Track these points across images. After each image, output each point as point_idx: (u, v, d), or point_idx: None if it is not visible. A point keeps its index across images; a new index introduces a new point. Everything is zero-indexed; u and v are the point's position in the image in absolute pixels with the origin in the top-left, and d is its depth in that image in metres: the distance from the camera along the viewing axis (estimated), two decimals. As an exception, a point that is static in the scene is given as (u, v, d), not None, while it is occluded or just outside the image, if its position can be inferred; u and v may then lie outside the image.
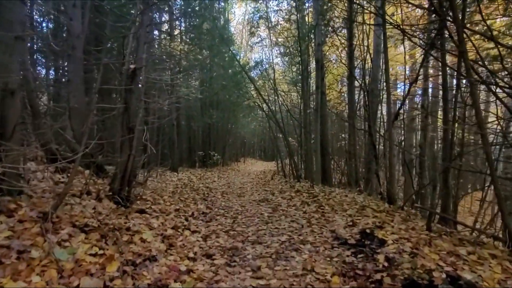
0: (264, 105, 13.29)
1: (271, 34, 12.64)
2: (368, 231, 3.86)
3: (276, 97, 12.30)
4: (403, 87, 18.80)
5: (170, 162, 12.18)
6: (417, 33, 6.72)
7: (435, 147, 12.41)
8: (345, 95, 17.95)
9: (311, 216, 4.85)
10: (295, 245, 3.56)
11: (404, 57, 8.05)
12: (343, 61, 12.45)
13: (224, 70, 13.31)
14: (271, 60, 12.77)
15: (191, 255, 3.17)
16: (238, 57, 12.17)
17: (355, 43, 9.02)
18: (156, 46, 11.14)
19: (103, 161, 5.00)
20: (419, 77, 9.23)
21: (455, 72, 6.30)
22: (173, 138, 11.93)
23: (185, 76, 13.44)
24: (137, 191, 4.81)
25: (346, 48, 12.13)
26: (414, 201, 7.06)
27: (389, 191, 6.53)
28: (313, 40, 9.70)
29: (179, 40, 12.69)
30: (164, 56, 10.14)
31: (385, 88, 11.98)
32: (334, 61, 13.79)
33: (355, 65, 14.28)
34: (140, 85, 4.35)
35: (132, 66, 3.95)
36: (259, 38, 13.24)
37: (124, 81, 3.98)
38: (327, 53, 12.12)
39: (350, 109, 13.52)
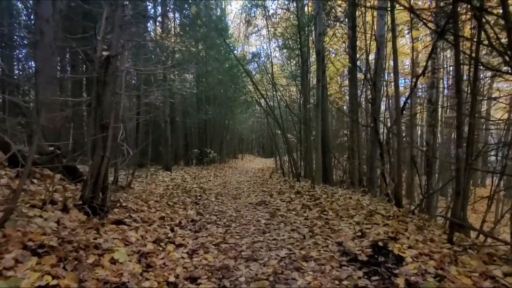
0: (262, 100, 12.71)
1: (269, 25, 12.02)
2: (381, 244, 3.33)
3: (274, 92, 11.72)
4: (403, 81, 18.23)
5: (163, 161, 11.63)
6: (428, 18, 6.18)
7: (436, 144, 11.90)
8: (346, 88, 17.45)
9: (314, 224, 4.32)
10: (296, 263, 3.03)
11: (412, 47, 7.47)
12: (346, 51, 11.92)
13: (219, 63, 12.68)
14: (269, 53, 12.15)
15: (171, 278, 2.63)
16: (234, 51, 11.57)
17: (358, 29, 8.42)
18: (149, 38, 10.53)
19: (78, 163, 4.44)
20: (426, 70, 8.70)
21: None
22: (166, 135, 11.35)
23: (179, 70, 12.83)
24: (117, 196, 4.26)
25: (348, 38, 11.61)
26: (421, 203, 6.56)
27: (397, 193, 6.00)
28: (314, 31, 9.11)
29: (172, 31, 12.06)
30: (151, 46, 9.55)
31: (387, 81, 11.41)
32: (334, 53, 13.22)
33: (357, 57, 13.71)
34: (117, 76, 3.77)
35: (105, 53, 3.38)
36: (256, 28, 12.59)
37: (96, 71, 3.40)
38: (328, 45, 11.53)
39: (352, 104, 13.03)
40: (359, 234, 3.72)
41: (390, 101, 18.10)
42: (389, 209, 5.36)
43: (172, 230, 3.83)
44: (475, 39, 5.36)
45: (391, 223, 4.11)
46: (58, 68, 8.10)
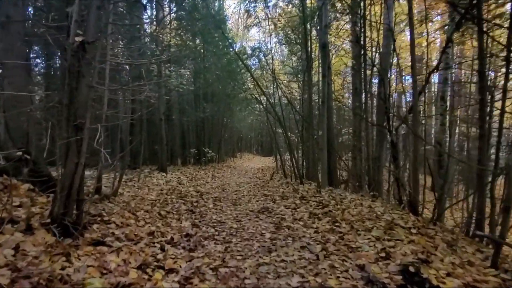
0: (263, 97, 12.12)
1: (269, 16, 11.39)
2: (412, 269, 2.77)
3: (275, 88, 11.12)
4: (405, 78, 17.67)
5: (159, 161, 11.04)
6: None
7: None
8: (347, 85, 16.87)
9: (326, 239, 3.76)
10: (312, 296, 2.47)
11: (427, 38, 6.88)
12: (351, 41, 11.33)
13: (217, 57, 12.05)
14: (270, 47, 11.51)
15: (157, 324, 2.06)
16: (233, 46, 10.90)
17: (362, 15, 7.82)
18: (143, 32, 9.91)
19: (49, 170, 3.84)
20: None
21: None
22: (161, 134, 10.74)
23: (175, 66, 12.21)
24: (99, 209, 3.67)
25: (352, 33, 11.04)
26: (441, 212, 5.99)
27: (413, 199, 5.45)
28: (318, 23, 8.51)
29: (168, 23, 11.43)
30: (146, 40, 8.93)
31: (397, 74, 10.79)
32: (338, 49, 12.65)
33: (363, 51, 13.10)
34: (95, 67, 3.17)
35: (78, 39, 2.78)
36: (257, 19, 11.94)
37: (69, 60, 2.81)
38: (332, 39, 10.95)
39: (355, 101, 12.47)
40: (383, 254, 3.16)
41: (397, 98, 17.59)
42: (406, 218, 4.82)
43: (162, 249, 3.25)
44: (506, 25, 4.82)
45: (417, 239, 3.55)
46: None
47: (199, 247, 3.48)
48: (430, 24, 10.70)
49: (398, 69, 9.60)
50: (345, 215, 4.70)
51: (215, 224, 4.50)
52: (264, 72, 12.59)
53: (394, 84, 10.82)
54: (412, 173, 5.54)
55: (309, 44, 8.96)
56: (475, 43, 8.55)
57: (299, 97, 13.38)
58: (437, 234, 4.07)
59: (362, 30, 7.79)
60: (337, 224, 4.35)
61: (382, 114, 9.54)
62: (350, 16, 9.18)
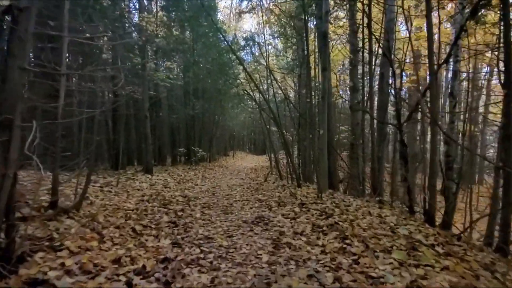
0: (256, 93, 11.37)
1: (265, 4, 10.61)
2: (459, 315, 2.08)
3: (269, 84, 10.36)
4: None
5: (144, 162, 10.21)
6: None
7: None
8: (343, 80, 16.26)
9: (337, 263, 3.04)
10: None
11: (439, 29, 6.21)
12: (347, 37, 10.68)
13: (207, 49, 11.22)
14: (264, 39, 10.71)
15: None
16: (224, 36, 10.07)
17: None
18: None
19: None
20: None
21: None
22: (145, 133, 9.89)
23: (162, 59, 11.36)
24: (50, 229, 2.87)
25: (349, 26, 10.39)
26: (470, 226, 5.40)
27: (430, 207, 4.80)
28: (317, 11, 7.79)
29: (153, 14, 10.54)
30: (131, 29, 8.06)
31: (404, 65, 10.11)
32: (335, 41, 11.97)
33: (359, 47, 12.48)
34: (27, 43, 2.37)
35: (3, 2, 1.99)
36: (251, 5, 11.08)
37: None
38: (331, 30, 10.26)
39: (353, 97, 11.82)
40: (415, 289, 2.46)
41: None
42: (424, 231, 4.16)
43: (128, 284, 2.49)
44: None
45: (451, 265, 2.87)
46: None
47: (178, 278, 2.73)
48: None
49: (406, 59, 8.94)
50: (355, 229, 4.00)
51: (201, 241, 3.74)
52: (258, 66, 11.82)
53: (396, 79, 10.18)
54: (429, 177, 4.87)
55: (306, 34, 8.22)
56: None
57: (293, 94, 12.67)
58: (467, 253, 3.41)
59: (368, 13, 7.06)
60: (347, 241, 3.64)
61: (384, 110, 8.93)
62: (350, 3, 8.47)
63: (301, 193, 7.18)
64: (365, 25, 12.28)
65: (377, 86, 10.32)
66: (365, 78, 10.17)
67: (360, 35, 9.96)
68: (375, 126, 8.89)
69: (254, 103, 14.24)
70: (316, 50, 9.20)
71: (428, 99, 5.91)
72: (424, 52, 13.42)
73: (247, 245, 3.69)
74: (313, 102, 12.74)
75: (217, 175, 12.55)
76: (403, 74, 16.24)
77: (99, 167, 10.44)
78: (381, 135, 8.51)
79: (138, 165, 12.70)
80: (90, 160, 3.81)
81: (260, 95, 17.86)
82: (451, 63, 7.47)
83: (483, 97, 14.87)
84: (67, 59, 6.25)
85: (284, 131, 11.27)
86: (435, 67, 5.01)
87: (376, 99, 10.95)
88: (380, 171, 7.99)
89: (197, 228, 4.29)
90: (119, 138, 8.24)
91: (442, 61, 6.83)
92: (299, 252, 3.43)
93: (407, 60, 13.00)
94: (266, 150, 24.09)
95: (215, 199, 6.91)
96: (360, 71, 11.05)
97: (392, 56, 9.07)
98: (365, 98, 10.34)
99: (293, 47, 11.11)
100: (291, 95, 14.36)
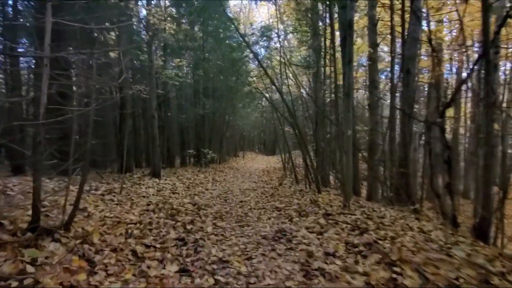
0: (269, 91, 10.67)
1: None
2: None
3: (283, 78, 9.64)
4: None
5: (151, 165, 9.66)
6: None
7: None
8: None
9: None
10: None
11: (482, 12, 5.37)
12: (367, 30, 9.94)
13: (218, 43, 10.56)
14: (282, 29, 9.89)
15: None
16: (236, 26, 9.36)
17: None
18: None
19: None
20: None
21: None
22: (153, 134, 9.32)
23: (171, 56, 10.79)
24: (24, 260, 2.25)
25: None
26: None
27: (483, 221, 4.04)
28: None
29: (161, 8, 9.97)
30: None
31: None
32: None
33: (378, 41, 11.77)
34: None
35: None
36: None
37: None
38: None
39: (372, 94, 11.13)
40: None
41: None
42: (481, 251, 3.43)
43: None
44: None
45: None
46: None
47: (188, 326, 2.08)
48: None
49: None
50: (402, 251, 3.27)
51: (214, 266, 3.08)
52: (272, 62, 11.12)
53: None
54: (484, 184, 4.10)
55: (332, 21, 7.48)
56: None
57: (305, 92, 11.91)
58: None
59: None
60: (395, 268, 2.93)
61: (410, 108, 8.13)
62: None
63: (323, 200, 6.48)
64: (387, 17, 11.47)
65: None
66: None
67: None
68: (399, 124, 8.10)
69: (266, 102, 13.58)
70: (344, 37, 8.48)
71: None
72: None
73: (270, 272, 3.02)
74: (327, 100, 12.02)
75: (228, 178, 11.93)
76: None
77: (105, 171, 9.96)
78: (410, 135, 7.75)
79: (146, 167, 12.21)
80: (84, 165, 3.19)
81: (273, 93, 17.19)
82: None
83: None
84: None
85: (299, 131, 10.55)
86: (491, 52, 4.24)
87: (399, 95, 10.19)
88: (412, 175, 7.23)
89: (209, 247, 3.63)
90: (124, 139, 7.69)
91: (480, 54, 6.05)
92: (337, 284, 2.74)
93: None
94: (277, 150, 23.36)
95: (227, 207, 6.26)
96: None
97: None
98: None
99: (309, 41, 10.38)
100: (303, 92, 13.65)
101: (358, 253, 3.43)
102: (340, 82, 8.72)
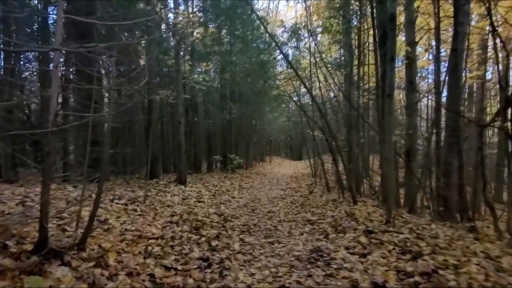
0: (297, 95, 10.16)
1: None
2: None
3: (313, 80, 9.10)
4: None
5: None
6: None
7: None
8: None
9: None
10: None
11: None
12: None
13: (245, 45, 10.24)
14: (309, 33, 9.37)
15: None
16: (265, 25, 8.97)
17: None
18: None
19: None
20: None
21: None
22: (179, 140, 9.14)
23: (198, 60, 10.65)
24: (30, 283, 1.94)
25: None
26: None
27: None
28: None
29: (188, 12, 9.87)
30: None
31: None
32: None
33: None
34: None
35: None
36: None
37: None
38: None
39: (410, 97, 10.43)
40: None
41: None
42: None
43: None
44: None
45: None
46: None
47: None
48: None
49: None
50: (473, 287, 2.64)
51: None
52: (301, 65, 10.60)
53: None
54: None
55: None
56: None
57: (340, 92, 11.25)
58: None
59: None
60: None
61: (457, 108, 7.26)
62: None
63: (360, 213, 5.84)
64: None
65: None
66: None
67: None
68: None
69: (294, 105, 13.05)
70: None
71: None
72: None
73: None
74: (360, 103, 11.27)
75: (255, 185, 11.52)
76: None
77: (133, 176, 9.94)
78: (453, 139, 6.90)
79: (174, 172, 12.14)
80: (101, 176, 2.90)
81: (300, 96, 16.60)
82: None
83: None
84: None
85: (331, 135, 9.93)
86: None
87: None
88: (449, 187, 6.36)
89: (236, 269, 3.20)
90: (148, 145, 7.54)
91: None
92: (395, 330, 2.19)
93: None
94: (304, 155, 22.57)
95: (255, 219, 5.83)
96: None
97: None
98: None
99: (342, 40, 9.77)
100: (331, 95, 12.97)
101: (415, 285, 2.83)
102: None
